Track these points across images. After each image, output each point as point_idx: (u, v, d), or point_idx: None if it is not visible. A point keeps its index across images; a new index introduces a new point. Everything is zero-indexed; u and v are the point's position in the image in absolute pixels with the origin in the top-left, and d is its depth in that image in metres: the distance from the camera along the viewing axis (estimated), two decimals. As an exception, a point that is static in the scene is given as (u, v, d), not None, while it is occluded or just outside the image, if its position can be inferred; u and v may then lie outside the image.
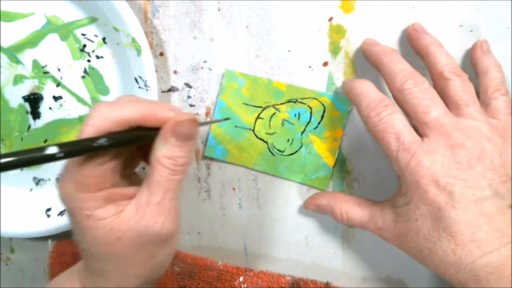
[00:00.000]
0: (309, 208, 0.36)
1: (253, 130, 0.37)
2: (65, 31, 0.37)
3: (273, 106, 0.36)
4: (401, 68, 0.30)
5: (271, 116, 0.36)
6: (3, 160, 0.21)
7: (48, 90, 0.38)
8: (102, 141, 0.25)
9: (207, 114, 0.38)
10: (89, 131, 0.25)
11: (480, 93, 0.32)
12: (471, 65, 0.33)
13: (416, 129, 0.30)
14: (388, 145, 0.29)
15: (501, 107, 0.30)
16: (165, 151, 0.26)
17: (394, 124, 0.29)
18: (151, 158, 0.27)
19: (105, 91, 0.38)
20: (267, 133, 0.37)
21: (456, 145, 0.28)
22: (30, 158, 0.22)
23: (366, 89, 0.31)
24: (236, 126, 0.37)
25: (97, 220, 0.26)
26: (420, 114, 0.29)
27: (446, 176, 0.28)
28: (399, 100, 0.30)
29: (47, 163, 0.23)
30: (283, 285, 0.38)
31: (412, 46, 0.33)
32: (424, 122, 0.29)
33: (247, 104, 0.36)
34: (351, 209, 0.34)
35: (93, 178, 0.26)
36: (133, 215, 0.27)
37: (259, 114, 0.36)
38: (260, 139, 0.37)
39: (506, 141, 0.29)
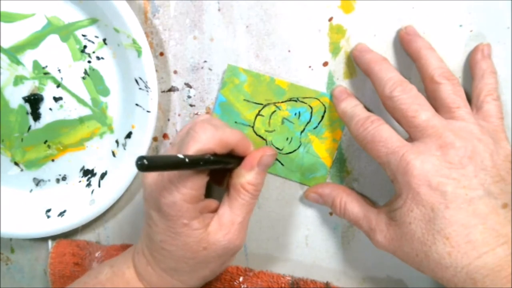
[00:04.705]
0: (310, 197, 0.36)
1: (253, 127, 0.37)
2: (65, 32, 0.37)
3: (274, 103, 0.36)
4: (390, 77, 0.31)
5: (271, 114, 0.36)
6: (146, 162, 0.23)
7: (49, 91, 0.38)
8: (208, 156, 0.29)
9: (207, 114, 0.38)
10: (196, 146, 0.29)
11: (473, 96, 0.32)
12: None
13: (408, 139, 0.30)
14: (377, 153, 0.30)
15: (492, 111, 0.31)
16: (249, 178, 0.32)
17: (381, 133, 0.30)
18: (233, 183, 0.32)
19: (105, 92, 0.38)
20: (266, 131, 0.37)
21: (446, 145, 0.28)
22: (166, 162, 0.26)
23: (355, 111, 0.33)
24: (235, 122, 0.37)
25: (192, 230, 0.30)
26: (410, 119, 0.30)
27: (438, 175, 0.28)
28: (389, 107, 0.31)
29: (173, 170, 0.27)
30: (283, 285, 0.38)
31: (404, 49, 0.34)
32: (414, 126, 0.30)
33: (248, 101, 0.36)
34: (350, 203, 0.34)
35: (196, 190, 0.30)
36: (217, 231, 0.31)
37: (259, 111, 0.36)
38: (259, 136, 0.37)
39: (496, 142, 0.29)
